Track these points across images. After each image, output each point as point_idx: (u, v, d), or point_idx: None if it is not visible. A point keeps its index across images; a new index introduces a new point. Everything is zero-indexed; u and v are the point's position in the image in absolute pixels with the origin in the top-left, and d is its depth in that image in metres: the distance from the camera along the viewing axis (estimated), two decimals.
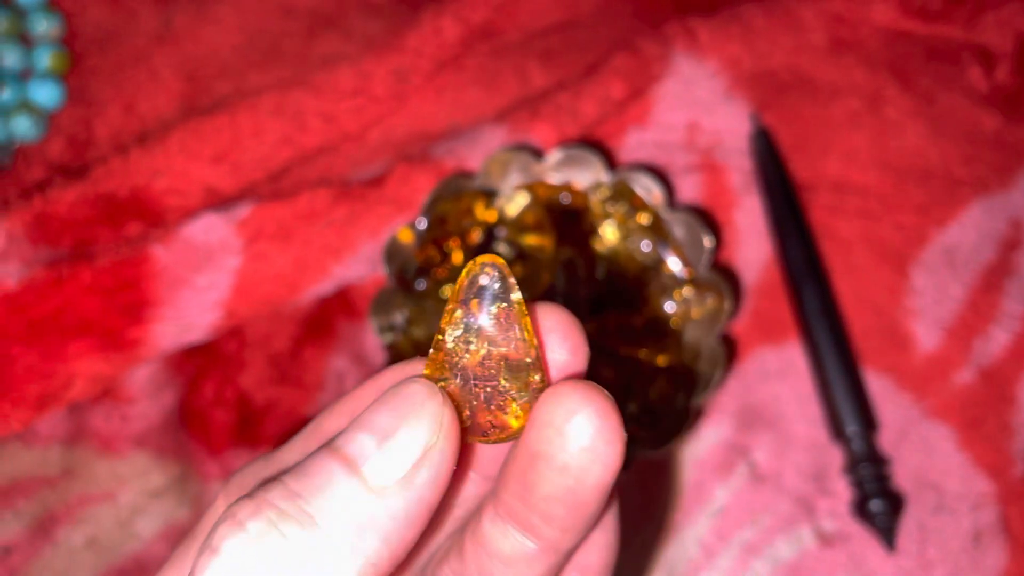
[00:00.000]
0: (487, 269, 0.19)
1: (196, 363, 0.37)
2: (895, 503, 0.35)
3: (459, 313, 0.19)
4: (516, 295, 0.19)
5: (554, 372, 0.20)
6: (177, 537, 0.35)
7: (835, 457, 0.36)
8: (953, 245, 0.39)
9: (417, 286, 0.34)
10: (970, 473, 0.36)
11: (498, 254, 0.19)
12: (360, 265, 0.37)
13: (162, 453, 0.36)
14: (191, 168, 0.37)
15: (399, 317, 0.34)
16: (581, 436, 0.18)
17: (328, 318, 0.38)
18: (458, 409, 0.19)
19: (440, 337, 0.19)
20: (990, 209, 0.39)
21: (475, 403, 0.19)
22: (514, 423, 0.19)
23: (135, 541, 0.35)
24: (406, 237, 0.35)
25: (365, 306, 0.38)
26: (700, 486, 0.36)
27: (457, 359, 0.19)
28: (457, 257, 0.34)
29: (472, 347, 0.19)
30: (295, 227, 0.36)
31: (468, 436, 0.19)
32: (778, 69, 0.41)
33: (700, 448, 0.36)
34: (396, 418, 0.18)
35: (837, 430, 0.36)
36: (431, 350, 0.19)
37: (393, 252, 0.34)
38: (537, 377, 0.19)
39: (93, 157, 0.38)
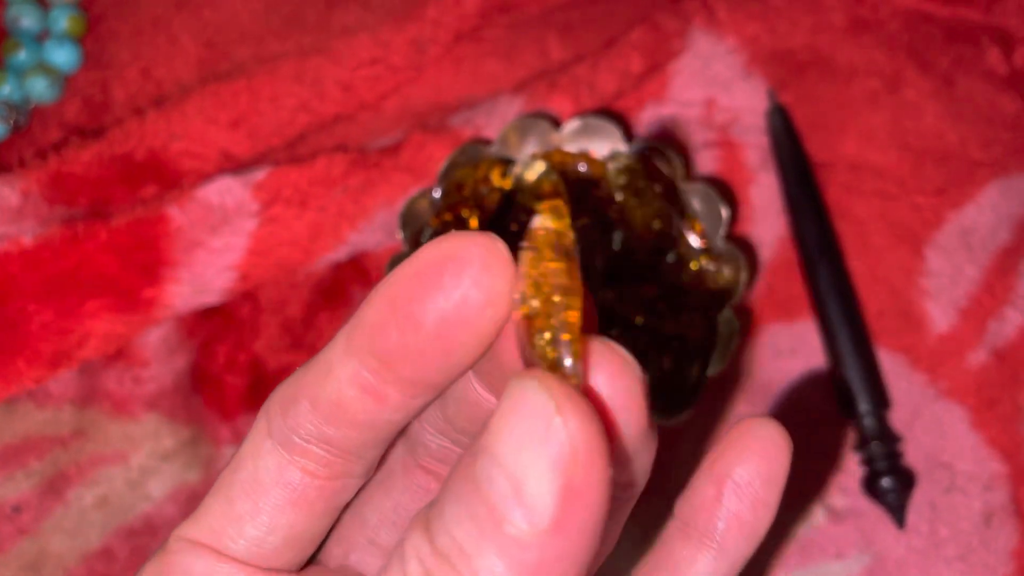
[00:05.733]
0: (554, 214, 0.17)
1: (209, 327, 0.37)
2: (906, 481, 0.35)
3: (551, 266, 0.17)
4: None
5: None
6: (187, 499, 0.35)
7: (847, 434, 0.36)
8: (970, 226, 0.39)
9: None
10: (983, 454, 0.36)
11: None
12: (375, 233, 0.37)
13: (174, 416, 0.36)
14: (208, 132, 0.37)
15: None
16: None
17: (342, 285, 0.38)
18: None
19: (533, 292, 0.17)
20: (1007, 191, 0.39)
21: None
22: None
23: (146, 502, 0.35)
24: (423, 203, 0.34)
25: (379, 274, 0.38)
26: None
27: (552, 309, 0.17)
28: (473, 224, 0.34)
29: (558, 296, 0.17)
30: (311, 192, 0.36)
31: None
32: (797, 48, 0.41)
33: (711, 422, 0.36)
34: (523, 454, 0.15)
35: (850, 408, 0.36)
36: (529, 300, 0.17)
37: (409, 217, 0.34)
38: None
39: (110, 119, 0.38)
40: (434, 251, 0.18)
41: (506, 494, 0.15)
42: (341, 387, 0.19)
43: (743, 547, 0.21)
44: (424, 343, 0.18)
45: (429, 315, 0.17)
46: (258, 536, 0.20)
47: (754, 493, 0.21)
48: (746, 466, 0.20)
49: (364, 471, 0.20)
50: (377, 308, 0.18)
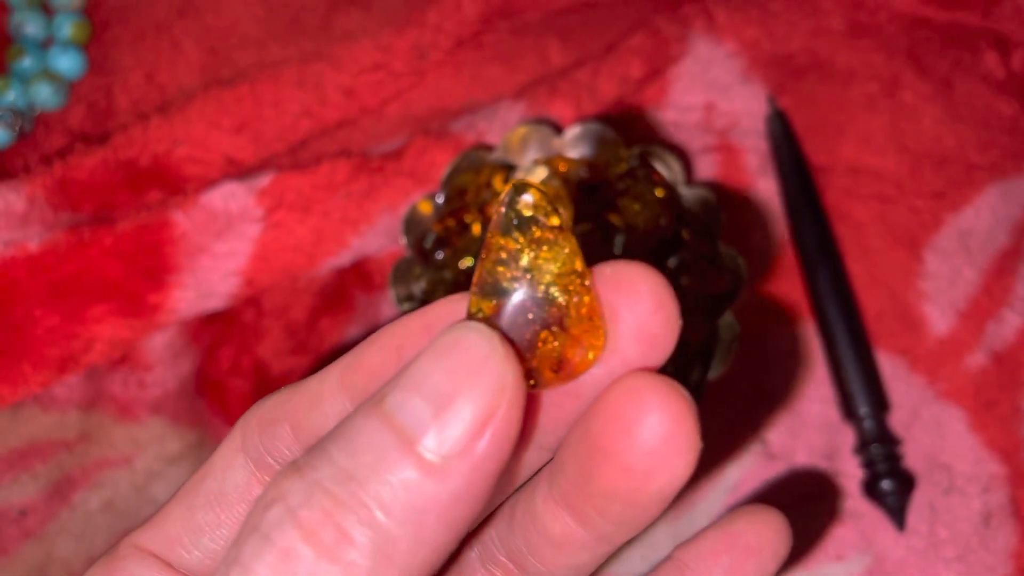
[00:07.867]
0: (525, 194, 0.17)
1: (213, 331, 0.37)
2: (906, 483, 0.35)
3: (501, 242, 0.17)
4: (556, 220, 0.17)
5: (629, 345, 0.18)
6: None
7: (847, 437, 0.36)
8: (968, 229, 0.39)
9: (436, 256, 0.35)
10: (981, 455, 0.36)
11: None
12: (378, 238, 0.37)
13: (178, 420, 0.36)
14: (211, 138, 0.37)
15: (418, 287, 0.34)
16: (651, 440, 0.17)
17: (345, 290, 0.38)
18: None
19: (483, 270, 0.17)
20: (1005, 194, 0.39)
21: (524, 343, 0.17)
22: (578, 362, 0.17)
23: (151, 506, 0.35)
24: (426, 208, 0.35)
25: (381, 279, 0.38)
26: (713, 463, 0.36)
27: (503, 294, 0.17)
28: (476, 229, 0.35)
29: (519, 279, 0.17)
30: (314, 198, 0.36)
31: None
32: (796, 52, 0.41)
33: (713, 425, 0.37)
34: (453, 381, 0.16)
35: (849, 410, 0.36)
36: (473, 286, 0.17)
37: (412, 222, 0.35)
38: (587, 311, 0.17)
39: (114, 126, 0.39)
40: (444, 307, 0.19)
41: (423, 418, 0.16)
42: (327, 421, 0.19)
43: None
44: None
45: None
46: (214, 549, 0.20)
47: (760, 560, 0.22)
48: (759, 537, 0.22)
49: None
50: (379, 352, 0.19)
